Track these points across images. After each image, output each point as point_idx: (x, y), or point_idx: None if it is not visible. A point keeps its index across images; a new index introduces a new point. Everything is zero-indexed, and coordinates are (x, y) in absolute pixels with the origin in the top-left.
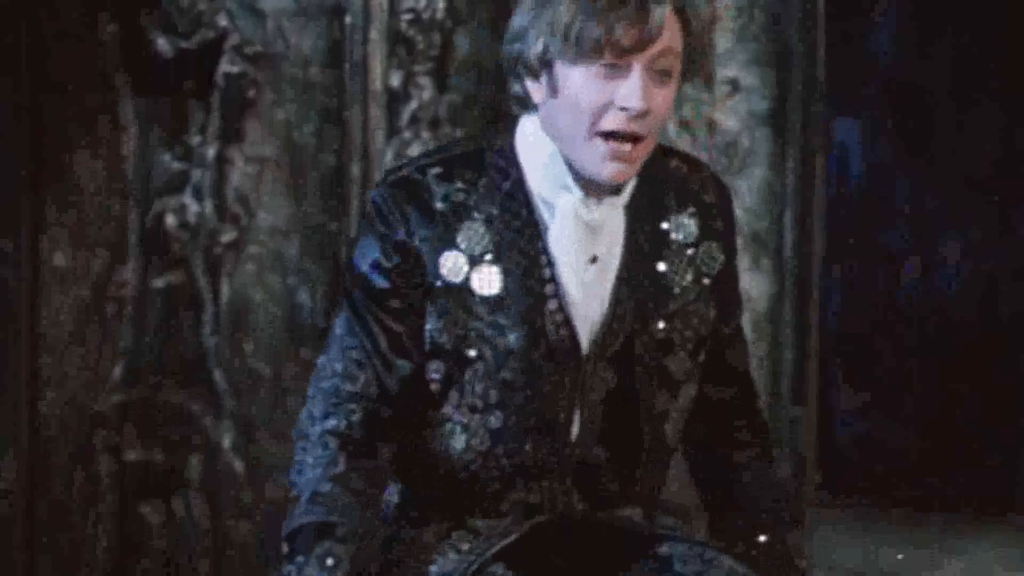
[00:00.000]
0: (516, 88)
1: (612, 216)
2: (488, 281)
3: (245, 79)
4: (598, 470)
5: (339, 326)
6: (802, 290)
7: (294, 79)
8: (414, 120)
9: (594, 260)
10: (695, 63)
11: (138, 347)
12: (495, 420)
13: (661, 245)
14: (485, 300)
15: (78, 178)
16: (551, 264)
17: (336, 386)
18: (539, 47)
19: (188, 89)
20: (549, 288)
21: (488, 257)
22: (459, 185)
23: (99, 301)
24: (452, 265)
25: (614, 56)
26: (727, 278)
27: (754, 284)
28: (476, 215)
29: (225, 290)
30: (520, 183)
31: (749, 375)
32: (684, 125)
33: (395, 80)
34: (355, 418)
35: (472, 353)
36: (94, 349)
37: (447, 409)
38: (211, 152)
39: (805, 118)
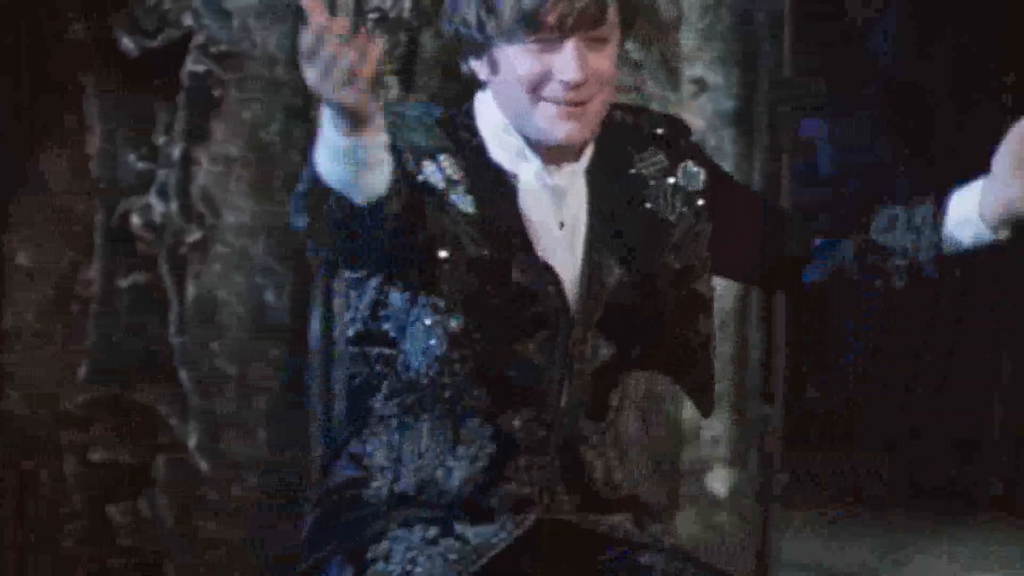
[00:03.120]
0: (464, 67)
1: (574, 182)
2: (464, 202)
3: (211, 78)
4: (584, 448)
5: None
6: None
7: (260, 78)
8: None
9: (561, 226)
10: (630, 24)
11: (104, 347)
12: (455, 322)
13: (640, 187)
14: (463, 214)
15: (43, 177)
16: (523, 227)
17: None
18: (474, 27)
19: (154, 88)
20: (528, 248)
21: (462, 187)
22: (438, 131)
23: (64, 300)
24: (432, 172)
25: (548, 31)
26: (721, 180)
27: (720, 282)
28: (451, 155)
29: (191, 290)
30: (481, 150)
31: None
32: None
33: None
34: None
35: (443, 253)
36: (59, 349)
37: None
38: (177, 151)
39: (772, 118)
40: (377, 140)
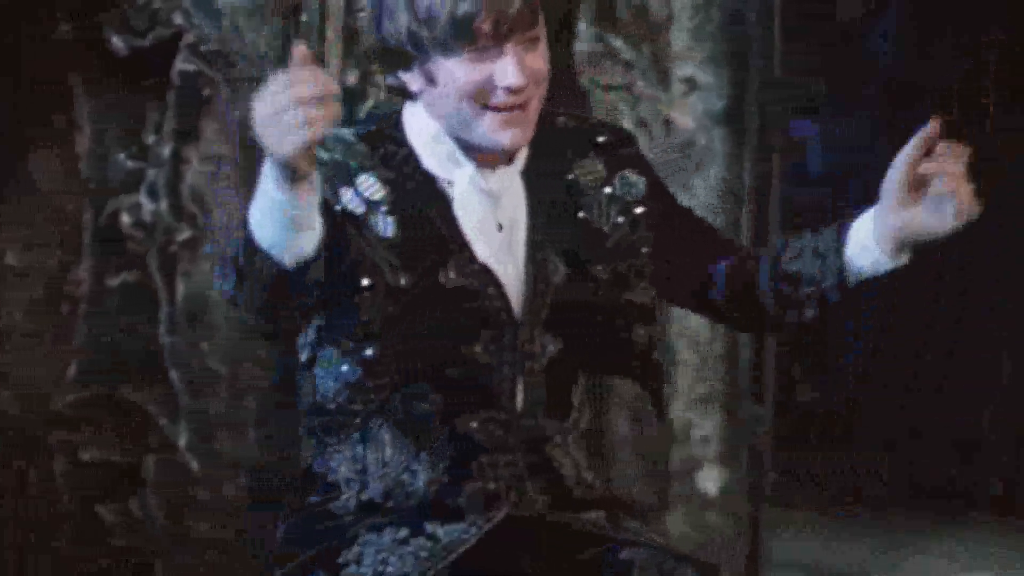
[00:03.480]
0: (390, 79)
1: (510, 184)
2: (384, 226)
3: (201, 77)
4: (549, 447)
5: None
6: None
7: (250, 77)
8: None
9: (500, 228)
10: (551, 19)
11: (94, 346)
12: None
13: (575, 194)
14: (381, 240)
15: (33, 176)
16: (460, 231)
17: None
18: (405, 40)
19: (144, 88)
20: (466, 251)
21: (383, 208)
22: (359, 147)
23: (54, 300)
24: (350, 198)
25: (485, 39)
26: (661, 193)
27: None
28: (372, 172)
29: (181, 289)
30: (416, 164)
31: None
32: (641, 124)
33: (351, 78)
34: None
35: (366, 281)
36: (49, 348)
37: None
38: (167, 151)
39: (762, 117)
40: (311, 200)
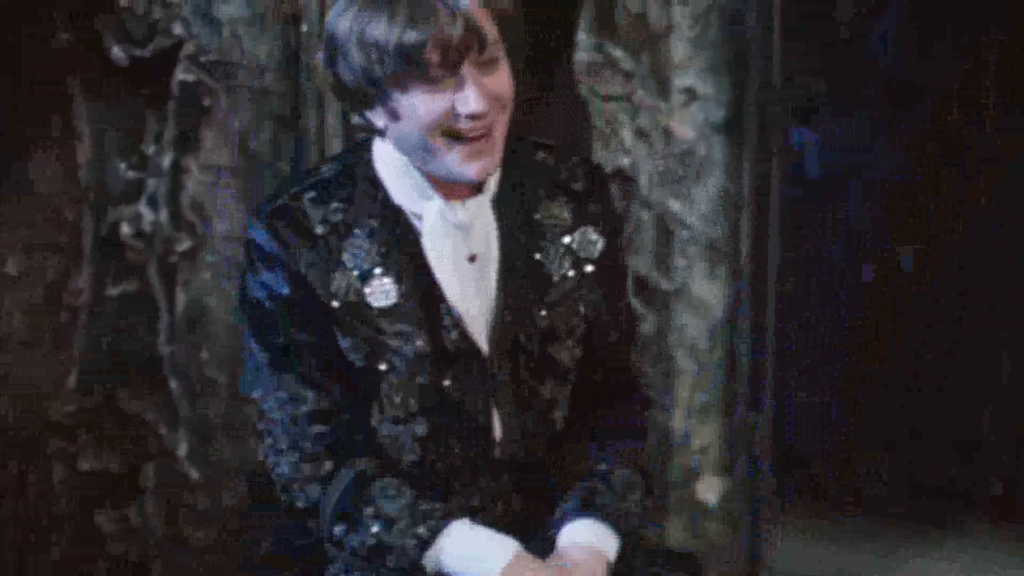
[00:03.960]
0: (356, 119)
1: (481, 214)
2: (384, 292)
3: (201, 87)
4: (533, 469)
5: (263, 367)
6: (758, 297)
7: (250, 87)
8: None
9: (473, 259)
10: (513, 40)
11: (93, 355)
12: (420, 429)
13: (536, 235)
14: (384, 312)
15: (33, 185)
16: (426, 270)
17: (289, 413)
18: (361, 79)
19: (144, 97)
20: (435, 293)
21: (378, 271)
22: (335, 205)
23: (54, 309)
24: (344, 284)
25: (436, 69)
26: (611, 260)
27: (711, 291)
28: (357, 231)
29: (181, 298)
30: (386, 199)
31: (626, 367)
32: (640, 134)
33: None
34: (321, 430)
35: (383, 367)
36: (48, 356)
37: (374, 423)
38: (166, 160)
39: (761, 125)
40: None
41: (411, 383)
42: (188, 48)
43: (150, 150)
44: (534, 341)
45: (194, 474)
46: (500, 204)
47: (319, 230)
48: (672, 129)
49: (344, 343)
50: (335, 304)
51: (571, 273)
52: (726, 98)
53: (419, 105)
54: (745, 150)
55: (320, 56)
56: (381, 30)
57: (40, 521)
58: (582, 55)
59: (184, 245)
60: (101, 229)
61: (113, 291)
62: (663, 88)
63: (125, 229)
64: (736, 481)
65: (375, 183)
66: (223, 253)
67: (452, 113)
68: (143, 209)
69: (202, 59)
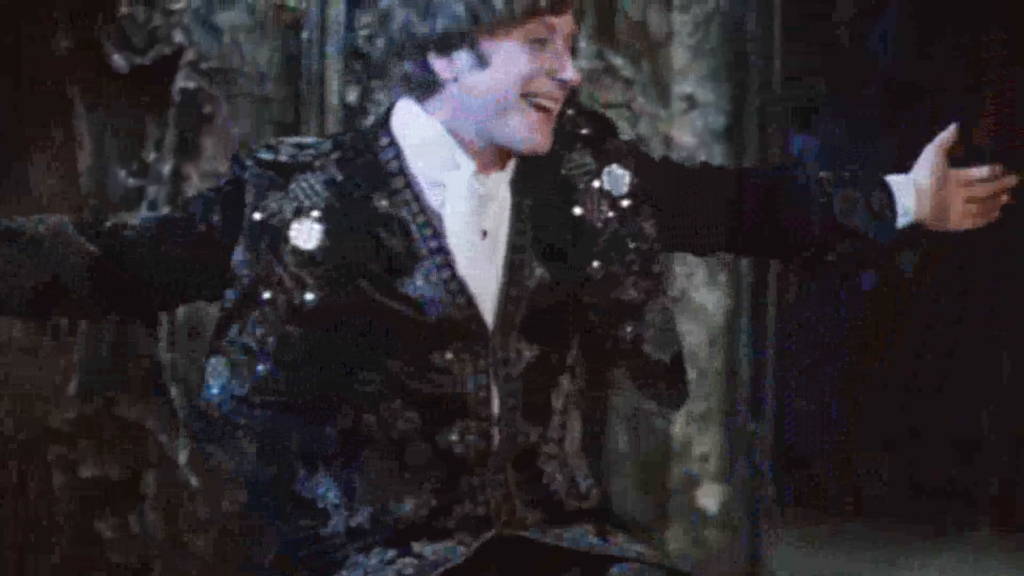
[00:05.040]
0: (412, 68)
1: (500, 190)
2: (307, 235)
3: (201, 94)
4: (541, 460)
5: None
6: (758, 305)
7: (250, 94)
8: None
9: (484, 235)
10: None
11: (93, 362)
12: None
13: (570, 189)
14: (296, 251)
15: (33, 193)
16: (437, 236)
17: None
18: (461, 19)
19: (144, 105)
20: (438, 258)
21: (315, 213)
22: (311, 151)
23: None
24: (276, 206)
25: (541, 22)
26: (647, 176)
27: (711, 299)
28: (317, 174)
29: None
30: (403, 167)
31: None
32: (641, 141)
33: (352, 95)
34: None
35: (265, 296)
36: (49, 363)
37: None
38: (167, 167)
39: (762, 132)
40: None
41: (281, 326)
42: (189, 55)
43: (150, 157)
44: (598, 293)
45: (194, 481)
46: (516, 184)
47: (282, 158)
48: (672, 136)
49: (239, 256)
50: (256, 217)
51: (611, 214)
52: (726, 105)
53: (519, 57)
54: (745, 157)
55: None
56: None
57: (40, 527)
58: (582, 62)
59: None
60: None
61: None
62: (663, 95)
63: None
64: (736, 488)
65: (391, 150)
66: None
67: (540, 75)
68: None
69: (202, 66)
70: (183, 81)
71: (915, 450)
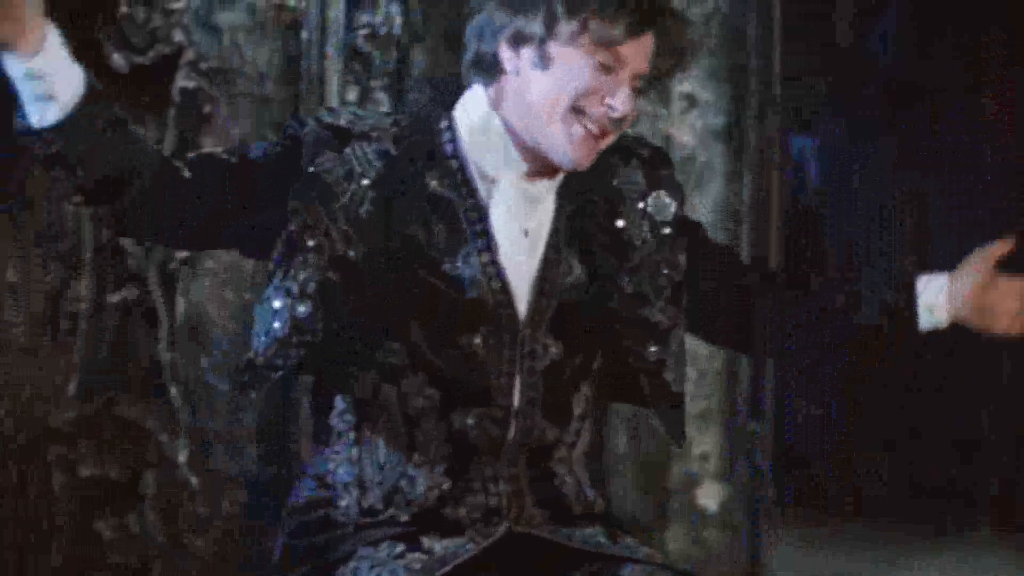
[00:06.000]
0: (485, 50)
1: (547, 195)
2: (359, 199)
3: (201, 94)
4: (553, 462)
5: None
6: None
7: (250, 94)
8: None
9: (526, 234)
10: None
11: (93, 363)
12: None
13: (617, 202)
14: (345, 209)
15: (32, 193)
16: (483, 222)
17: None
18: (544, 22)
19: (144, 104)
20: (480, 243)
21: (364, 181)
22: (370, 121)
23: (53, 316)
24: (329, 167)
25: (614, 51)
26: (687, 223)
27: None
28: (373, 144)
29: (181, 306)
30: (457, 151)
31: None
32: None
33: (351, 95)
34: None
35: (310, 243)
36: (49, 363)
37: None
38: None
39: (761, 133)
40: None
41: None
42: (188, 55)
43: None
44: (626, 306)
45: (194, 481)
46: (562, 192)
47: (342, 123)
48: (672, 136)
49: (289, 204)
50: (311, 169)
51: (649, 236)
52: (726, 105)
53: (580, 71)
54: (745, 157)
55: None
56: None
57: (40, 527)
58: None
59: (184, 253)
60: (101, 237)
61: (113, 298)
62: (663, 95)
63: None
64: (736, 488)
65: (450, 130)
66: (223, 261)
67: (595, 96)
68: None
69: (202, 66)
70: (183, 81)
71: (915, 450)
